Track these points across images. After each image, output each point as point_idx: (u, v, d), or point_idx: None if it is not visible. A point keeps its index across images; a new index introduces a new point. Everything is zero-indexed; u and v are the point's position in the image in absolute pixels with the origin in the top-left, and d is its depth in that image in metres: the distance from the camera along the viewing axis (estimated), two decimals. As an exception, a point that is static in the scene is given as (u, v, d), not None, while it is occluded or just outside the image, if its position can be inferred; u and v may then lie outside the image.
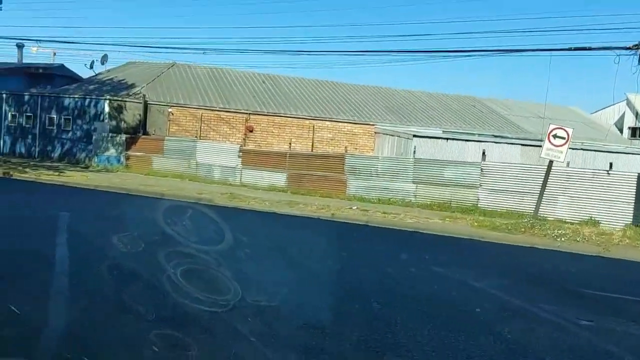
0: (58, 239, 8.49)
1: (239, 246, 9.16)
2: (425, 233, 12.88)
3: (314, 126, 24.95)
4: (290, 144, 20.97)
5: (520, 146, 22.94)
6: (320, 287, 7.04)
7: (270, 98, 26.58)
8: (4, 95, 24.11)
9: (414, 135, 22.36)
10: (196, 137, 22.57)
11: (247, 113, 24.48)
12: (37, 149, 23.75)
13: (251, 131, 24.39)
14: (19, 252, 7.37)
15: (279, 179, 19.12)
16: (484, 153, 20.55)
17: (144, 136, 22.39)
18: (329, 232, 12.50)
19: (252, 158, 19.92)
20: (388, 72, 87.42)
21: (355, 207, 15.60)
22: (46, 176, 17.66)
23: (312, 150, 24.03)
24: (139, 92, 23.73)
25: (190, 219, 11.12)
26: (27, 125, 23.87)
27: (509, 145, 22.86)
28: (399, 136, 23.16)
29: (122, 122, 22.75)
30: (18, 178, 17.47)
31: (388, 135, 24.05)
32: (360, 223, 13.65)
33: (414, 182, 17.44)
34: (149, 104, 23.38)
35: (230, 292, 5.87)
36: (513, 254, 11.24)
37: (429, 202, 16.92)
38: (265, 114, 24.87)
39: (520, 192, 16.06)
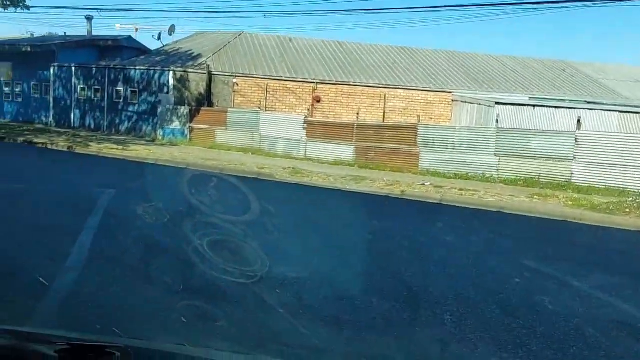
0: (98, 213, 7.85)
1: (292, 228, 8.05)
2: (510, 214, 11.21)
3: (385, 95, 23.30)
4: (357, 114, 19.52)
5: (617, 113, 20.24)
6: (385, 279, 5.73)
7: (339, 66, 25.11)
8: (74, 69, 24.09)
9: (497, 103, 20.24)
10: (259, 108, 21.56)
11: (314, 82, 23.19)
12: (105, 122, 23.65)
13: (318, 101, 23.11)
14: (54, 227, 7.09)
15: (346, 152, 17.76)
16: (579, 121, 18.17)
17: (207, 108, 21.66)
18: (397, 211, 11.11)
19: (317, 130, 18.66)
20: (462, 34, 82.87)
21: (428, 183, 14.04)
22: (108, 150, 17.26)
23: (383, 121, 22.44)
24: (204, 62, 22.99)
25: (241, 196, 10.10)
26: (95, 99, 23.77)
27: (605, 112, 20.23)
28: (479, 104, 21.11)
29: (187, 94, 22.12)
30: (81, 152, 17.17)
31: (467, 104, 22.02)
32: (434, 201, 12.13)
33: (496, 155, 15.58)
34: (214, 74, 22.59)
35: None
36: (620, 240, 9.40)
37: (513, 178, 15.05)
38: (334, 82, 23.47)
39: (622, 166, 13.88)
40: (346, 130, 18.14)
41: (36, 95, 25.90)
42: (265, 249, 6.01)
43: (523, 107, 20.75)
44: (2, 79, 26.85)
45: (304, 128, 18.70)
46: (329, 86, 23.34)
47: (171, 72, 22.03)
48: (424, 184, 13.90)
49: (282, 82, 23.09)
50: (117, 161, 15.83)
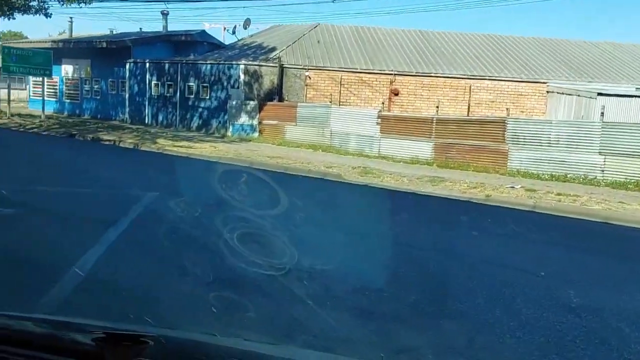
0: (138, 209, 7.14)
1: (339, 242, 6.70)
2: (621, 225, 9.19)
3: (470, 87, 21.26)
4: (437, 107, 17.72)
5: None
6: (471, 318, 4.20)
7: (420, 56, 23.29)
8: (147, 65, 23.88)
9: (599, 94, 17.81)
10: (331, 101, 20.23)
11: (392, 74, 21.56)
12: (177, 119, 23.25)
13: (396, 94, 21.47)
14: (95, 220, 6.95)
15: (424, 149, 16.04)
16: None
17: (277, 103, 20.63)
18: (481, 221, 9.38)
19: (392, 125, 17.05)
20: (553, 21, 76.81)
21: (518, 186, 12.11)
22: (173, 147, 16.59)
23: (467, 114, 20.44)
24: (276, 56, 21.99)
25: (297, 199, 8.86)
26: (168, 94, 23.43)
27: None
28: (578, 95, 18.67)
29: (257, 89, 21.22)
30: (146, 150, 16.63)
31: (564, 95, 19.58)
32: (525, 208, 10.28)
33: (600, 153, 13.35)
34: (285, 67, 21.52)
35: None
36: None
37: (622, 180, 12.81)
38: (413, 74, 21.71)
39: None
40: (424, 125, 16.40)
41: (113, 92, 26.05)
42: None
43: (630, 98, 18.16)
44: (82, 76, 27.28)
45: (378, 123, 17.16)
46: (408, 78, 21.64)
47: (241, 66, 21.20)
48: (513, 187, 12.00)
49: (358, 74, 21.65)
50: (177, 159, 15.06)
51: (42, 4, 18.13)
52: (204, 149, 16.53)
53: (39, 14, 18.11)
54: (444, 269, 6.17)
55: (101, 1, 22.77)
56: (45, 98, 28.70)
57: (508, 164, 14.50)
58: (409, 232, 7.92)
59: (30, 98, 30.31)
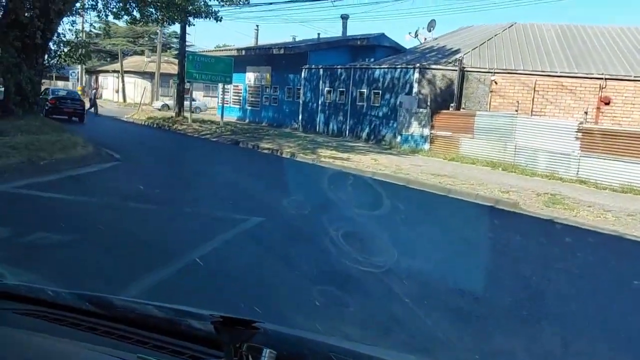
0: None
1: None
2: None
3: None
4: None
5: None
6: None
7: (641, 57, 18.66)
8: (321, 71, 22.82)
9: None
10: (516, 110, 16.88)
11: (602, 78, 17.41)
12: (347, 127, 21.75)
13: (607, 103, 17.27)
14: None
15: (642, 174, 12.10)
16: None
17: (452, 111, 17.89)
18: None
19: (597, 141, 13.26)
20: None
21: None
22: (329, 159, 14.93)
23: None
24: (458, 59, 19.26)
25: (451, 235, 6.49)
26: (340, 101, 22.07)
27: None
28: None
29: (432, 95, 18.71)
30: (299, 160, 15.25)
31: None
32: None
33: None
34: (467, 71, 18.69)
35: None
36: None
37: None
38: (631, 79, 17.29)
39: None
40: (643, 142, 12.42)
41: (289, 99, 25.61)
42: None
43: None
44: (262, 84, 27.39)
45: (578, 138, 13.52)
46: (623, 83, 17.32)
47: (416, 70, 18.90)
48: None
49: (556, 79, 17.92)
50: (324, 171, 13.36)
51: (208, 7, 17.88)
52: (363, 161, 14.59)
53: (209, 18, 17.89)
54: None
55: (286, 2, 22.11)
56: (231, 105, 29.64)
57: None
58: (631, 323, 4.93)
59: (219, 105, 31.56)
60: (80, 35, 18.40)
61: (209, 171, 12.45)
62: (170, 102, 33.28)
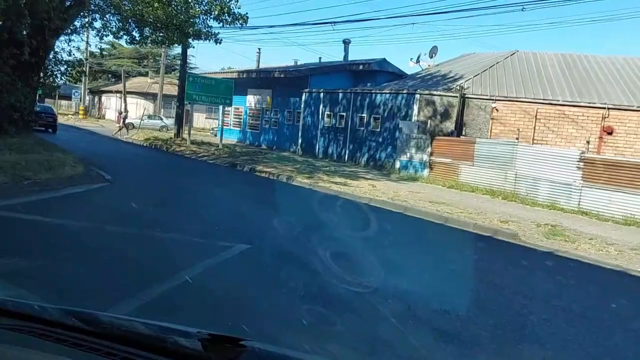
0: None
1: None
2: None
3: None
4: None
5: None
6: None
7: (646, 86, 18.45)
8: (322, 95, 22.65)
9: None
10: (517, 138, 16.61)
11: (604, 108, 17.18)
12: (346, 152, 21.49)
13: (610, 133, 17.01)
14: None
15: (645, 206, 11.74)
16: None
17: (452, 138, 17.64)
18: None
19: (600, 171, 12.94)
20: None
21: None
22: (326, 184, 14.64)
23: None
24: (459, 85, 19.08)
25: (435, 270, 6.15)
26: (340, 126, 21.85)
27: None
28: None
29: (433, 121, 18.48)
30: (295, 184, 14.94)
31: None
32: None
33: None
34: (468, 98, 18.49)
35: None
36: None
37: None
38: (634, 109, 17.06)
39: None
40: (647, 173, 12.10)
41: (289, 123, 25.42)
42: None
43: None
44: (263, 107, 27.24)
45: (580, 168, 13.21)
46: (627, 113, 17.08)
47: (416, 96, 18.72)
48: None
49: (558, 107, 17.70)
50: (319, 196, 13.05)
51: (209, 28, 17.75)
52: (360, 187, 14.27)
53: (209, 40, 17.76)
54: None
55: (287, 25, 21.99)
56: (232, 127, 29.47)
57: None
58: None
59: (219, 127, 31.43)
60: (74, 54, 18.26)
61: (200, 195, 12.12)
62: (169, 121, 33.34)
